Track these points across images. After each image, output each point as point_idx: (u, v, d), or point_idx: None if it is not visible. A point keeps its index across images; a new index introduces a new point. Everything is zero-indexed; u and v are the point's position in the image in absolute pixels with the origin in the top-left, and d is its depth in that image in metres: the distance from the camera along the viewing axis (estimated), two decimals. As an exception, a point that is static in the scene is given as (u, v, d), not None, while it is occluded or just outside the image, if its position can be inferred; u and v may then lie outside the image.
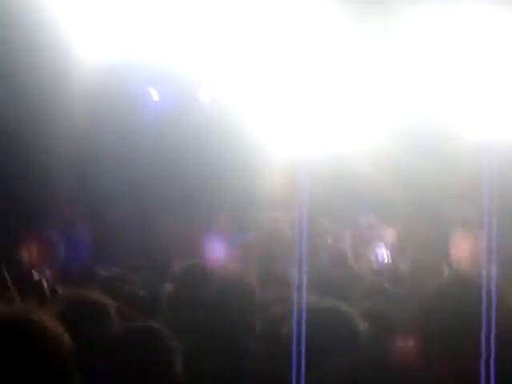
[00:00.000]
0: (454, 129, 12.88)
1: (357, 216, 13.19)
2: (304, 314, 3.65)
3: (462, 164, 12.11)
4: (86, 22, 11.35)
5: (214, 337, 4.35)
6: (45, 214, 13.42)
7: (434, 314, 2.62)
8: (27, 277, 7.00)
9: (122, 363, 3.41)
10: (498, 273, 3.82)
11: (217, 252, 13.66)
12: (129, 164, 14.33)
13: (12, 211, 12.47)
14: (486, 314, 2.56)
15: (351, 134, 13.71)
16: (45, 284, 6.80)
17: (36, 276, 7.07)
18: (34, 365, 2.30)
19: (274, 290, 5.81)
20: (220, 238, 14.14)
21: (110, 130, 13.85)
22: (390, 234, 13.30)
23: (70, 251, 12.50)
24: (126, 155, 14.24)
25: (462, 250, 12.67)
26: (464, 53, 11.99)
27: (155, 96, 15.10)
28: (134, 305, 5.38)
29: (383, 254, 12.85)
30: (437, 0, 10.44)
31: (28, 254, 10.66)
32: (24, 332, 2.32)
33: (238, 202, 14.83)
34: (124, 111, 14.05)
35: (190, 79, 14.03)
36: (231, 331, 4.30)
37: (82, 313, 4.01)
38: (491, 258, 4.01)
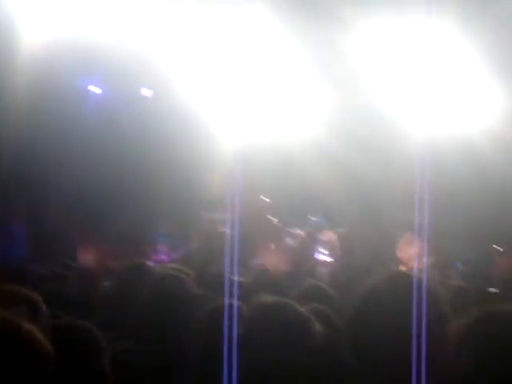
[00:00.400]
0: (399, 133, 13.06)
1: (305, 216, 13.24)
2: (235, 313, 3.62)
3: (405, 168, 12.25)
4: (24, 14, 11.15)
5: (151, 335, 4.31)
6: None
7: (366, 314, 2.60)
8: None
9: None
10: (435, 273, 3.85)
11: (158, 252, 13.62)
12: (68, 162, 14.15)
13: None
14: (416, 314, 2.54)
15: (297, 135, 13.79)
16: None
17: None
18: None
19: (212, 290, 5.81)
20: (161, 238, 14.09)
21: (49, 127, 13.65)
22: (335, 235, 13.36)
23: (2, 248, 12.35)
24: (66, 153, 14.06)
25: (404, 252, 12.80)
26: (405, 59, 12.21)
27: (97, 91, 14.94)
28: (65, 303, 5.29)
29: (327, 255, 12.90)
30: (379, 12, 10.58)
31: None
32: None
33: (178, 202, 14.78)
34: (64, 107, 13.86)
35: (134, 75, 13.93)
36: (168, 329, 4.26)
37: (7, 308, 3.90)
38: (428, 260, 4.03)
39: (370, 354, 2.53)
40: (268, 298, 3.35)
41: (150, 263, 5.89)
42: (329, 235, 13.05)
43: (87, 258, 12.59)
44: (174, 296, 4.43)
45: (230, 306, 3.72)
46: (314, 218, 13.07)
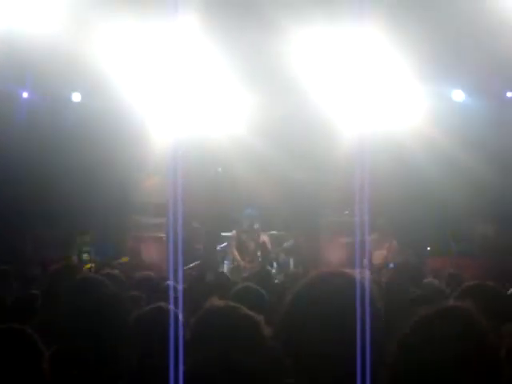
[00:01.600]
0: (332, 137, 13.26)
1: (241, 221, 13.26)
2: (180, 318, 3.64)
3: (341, 175, 12.45)
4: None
5: (78, 335, 4.28)
6: None
7: (296, 313, 2.62)
8: None
9: None
10: (368, 273, 3.92)
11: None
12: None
13: None
14: (350, 310, 2.57)
15: (230, 140, 13.85)
16: None
17: None
18: None
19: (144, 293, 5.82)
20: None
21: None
22: (270, 240, 13.43)
23: None
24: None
25: (337, 257, 12.96)
26: (337, 65, 12.44)
27: (24, 94, 14.72)
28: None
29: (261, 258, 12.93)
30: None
31: None
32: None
33: (110, 206, 14.68)
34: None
35: (63, 80, 13.78)
36: (103, 335, 4.23)
37: None
38: (363, 263, 4.10)
39: (301, 354, 2.55)
40: (218, 302, 3.38)
41: (78, 266, 5.84)
42: (263, 238, 13.11)
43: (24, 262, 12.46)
44: (94, 297, 4.43)
45: (162, 309, 3.75)
46: (253, 223, 13.08)
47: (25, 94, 14.71)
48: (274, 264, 12.67)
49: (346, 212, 13.80)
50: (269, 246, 12.92)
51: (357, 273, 3.12)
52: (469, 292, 3.75)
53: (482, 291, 3.73)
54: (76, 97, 14.78)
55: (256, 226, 12.89)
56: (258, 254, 12.76)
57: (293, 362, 2.56)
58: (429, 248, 13.54)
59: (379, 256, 12.12)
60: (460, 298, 3.54)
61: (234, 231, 13.12)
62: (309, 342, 2.51)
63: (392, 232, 12.94)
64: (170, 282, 5.00)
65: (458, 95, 14.04)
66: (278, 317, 2.67)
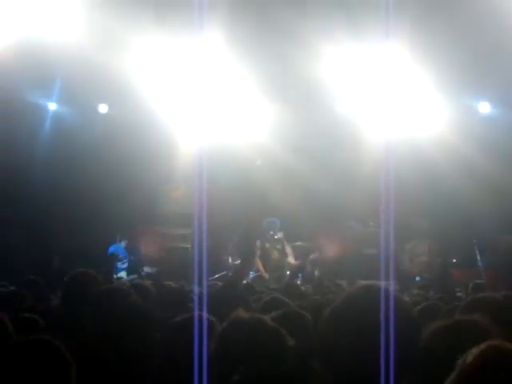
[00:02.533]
0: (357, 146, 13.27)
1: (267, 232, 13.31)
2: (205, 327, 3.66)
3: (366, 186, 12.43)
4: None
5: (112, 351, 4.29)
6: None
7: (335, 325, 2.64)
8: None
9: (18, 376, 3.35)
10: (395, 286, 3.93)
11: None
12: (25, 180, 14.05)
13: None
14: (386, 323, 2.60)
15: (258, 151, 13.91)
16: None
17: None
18: None
19: (175, 306, 5.81)
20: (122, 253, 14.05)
21: (3, 142, 13.50)
22: (296, 251, 13.45)
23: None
24: (22, 171, 13.96)
25: (363, 268, 12.91)
26: (362, 77, 12.48)
27: (52, 107, 14.84)
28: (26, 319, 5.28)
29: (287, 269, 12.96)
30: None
31: None
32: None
33: (139, 217, 14.77)
34: (19, 123, 13.74)
35: (90, 91, 13.89)
36: (129, 347, 4.24)
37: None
38: (388, 273, 4.10)
39: (339, 364, 2.57)
40: (243, 314, 3.40)
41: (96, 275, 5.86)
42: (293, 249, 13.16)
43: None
44: (120, 309, 4.44)
45: (192, 319, 3.77)
46: (272, 233, 13.12)
47: (52, 106, 14.84)
48: (299, 275, 12.67)
49: (371, 223, 13.79)
50: (292, 256, 12.95)
51: (389, 286, 3.14)
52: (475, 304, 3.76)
53: (488, 303, 3.73)
54: (103, 108, 14.88)
55: (279, 235, 12.94)
56: (282, 263, 12.81)
57: (330, 375, 2.59)
58: (454, 260, 13.47)
59: (417, 262, 12.09)
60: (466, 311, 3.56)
61: (257, 241, 13.15)
62: (345, 356, 2.54)
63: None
64: (195, 292, 5.02)
65: (484, 107, 14.00)
66: (316, 332, 2.70)
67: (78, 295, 5.12)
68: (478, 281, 8.84)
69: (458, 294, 7.66)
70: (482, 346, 2.13)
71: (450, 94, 13.18)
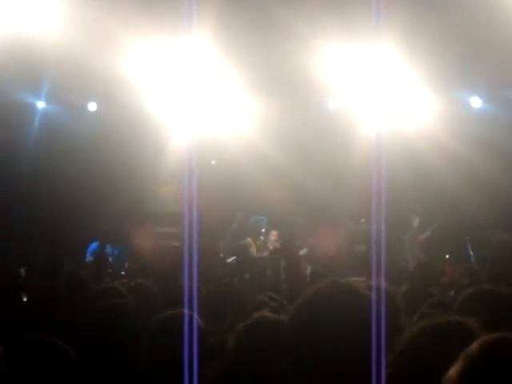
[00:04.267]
0: (350, 146, 13.26)
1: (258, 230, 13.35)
2: (195, 328, 3.61)
3: (356, 183, 12.42)
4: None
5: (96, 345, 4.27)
6: None
7: (298, 326, 2.59)
8: None
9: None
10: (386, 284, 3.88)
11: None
12: (15, 176, 14.01)
13: None
14: (377, 322, 2.55)
15: (246, 147, 13.88)
16: None
17: None
18: None
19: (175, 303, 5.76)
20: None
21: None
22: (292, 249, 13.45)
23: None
24: (6, 168, 13.91)
25: (354, 265, 12.88)
26: (353, 72, 12.47)
27: (40, 105, 14.80)
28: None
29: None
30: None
31: None
32: None
33: (126, 215, 14.72)
34: (8, 122, 13.69)
35: (81, 90, 13.86)
36: (120, 344, 4.21)
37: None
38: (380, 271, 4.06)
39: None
40: (269, 314, 3.44)
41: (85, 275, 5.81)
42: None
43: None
44: (112, 309, 4.42)
45: (183, 315, 3.74)
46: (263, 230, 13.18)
47: (40, 104, 14.80)
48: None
49: (363, 220, 13.76)
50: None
51: (369, 283, 3.09)
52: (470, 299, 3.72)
53: (482, 297, 3.70)
54: (92, 106, 14.84)
55: (263, 230, 13.11)
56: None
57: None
58: (447, 256, 13.45)
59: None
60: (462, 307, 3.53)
61: (248, 239, 13.21)
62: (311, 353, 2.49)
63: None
64: (185, 287, 4.96)
65: (476, 102, 13.98)
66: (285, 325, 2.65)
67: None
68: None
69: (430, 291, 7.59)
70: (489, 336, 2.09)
71: (441, 89, 13.16)
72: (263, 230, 13.58)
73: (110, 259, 13.57)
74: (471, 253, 12.83)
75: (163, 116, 14.19)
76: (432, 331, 2.41)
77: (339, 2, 10.37)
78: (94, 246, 13.86)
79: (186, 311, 3.72)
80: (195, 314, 3.73)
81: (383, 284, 3.64)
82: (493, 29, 10.85)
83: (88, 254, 13.76)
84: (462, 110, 13.75)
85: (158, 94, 13.68)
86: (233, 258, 13.47)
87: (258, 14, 11.07)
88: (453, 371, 1.96)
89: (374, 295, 2.77)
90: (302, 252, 13.38)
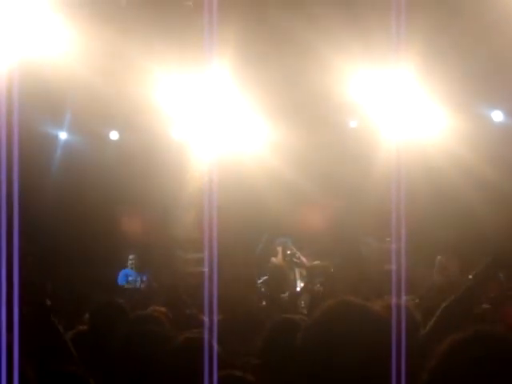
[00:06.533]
0: (370, 164, 13.20)
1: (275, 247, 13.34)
2: (215, 356, 3.60)
3: (379, 201, 12.34)
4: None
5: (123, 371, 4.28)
6: None
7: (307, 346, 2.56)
8: None
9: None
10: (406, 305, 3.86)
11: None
12: (38, 207, 14.07)
13: None
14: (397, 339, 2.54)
15: (270, 172, 13.89)
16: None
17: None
18: None
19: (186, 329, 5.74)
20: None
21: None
22: (307, 266, 13.39)
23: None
24: (35, 199, 14.00)
25: (381, 285, 12.77)
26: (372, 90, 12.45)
27: (63, 136, 14.91)
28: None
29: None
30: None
31: None
32: None
33: (146, 241, 14.75)
34: (29, 152, 13.78)
35: (102, 119, 13.96)
36: (142, 366, 4.23)
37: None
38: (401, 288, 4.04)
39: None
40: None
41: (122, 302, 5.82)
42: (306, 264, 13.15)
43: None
44: (151, 336, 4.41)
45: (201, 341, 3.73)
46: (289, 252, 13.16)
47: (63, 135, 14.90)
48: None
49: (388, 239, 13.66)
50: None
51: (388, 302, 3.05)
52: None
53: None
54: (114, 135, 14.93)
55: (289, 252, 13.09)
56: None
57: None
58: (470, 276, 13.26)
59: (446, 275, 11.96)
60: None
61: (273, 258, 13.23)
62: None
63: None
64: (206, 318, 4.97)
65: (498, 116, 13.88)
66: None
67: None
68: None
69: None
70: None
71: (463, 104, 13.08)
72: (288, 252, 13.54)
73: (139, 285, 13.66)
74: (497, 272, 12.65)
75: (185, 142, 14.25)
76: (462, 344, 2.36)
77: (358, 20, 10.37)
78: (126, 272, 13.93)
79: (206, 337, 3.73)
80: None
81: (403, 302, 3.63)
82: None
83: (120, 281, 13.83)
84: (484, 125, 13.64)
85: (179, 120, 13.76)
86: (263, 279, 13.47)
87: (277, 37, 11.11)
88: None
89: (392, 314, 2.75)
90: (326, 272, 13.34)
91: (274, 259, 13.52)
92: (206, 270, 13.73)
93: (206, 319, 4.95)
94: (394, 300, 3.53)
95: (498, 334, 2.37)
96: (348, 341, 2.45)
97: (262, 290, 13.58)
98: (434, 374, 2.33)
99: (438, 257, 12.92)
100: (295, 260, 13.29)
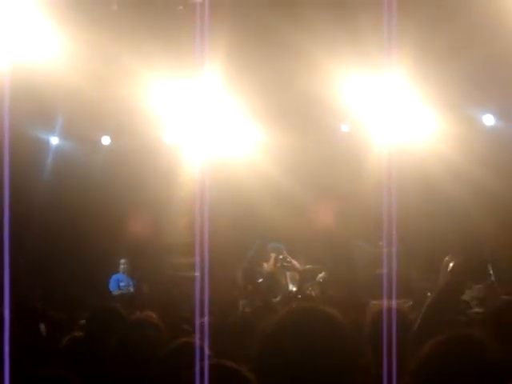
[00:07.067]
0: (361, 168, 13.21)
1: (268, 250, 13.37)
2: (207, 359, 3.60)
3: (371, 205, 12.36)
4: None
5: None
6: None
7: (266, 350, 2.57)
8: None
9: None
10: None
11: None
12: (26, 213, 14.06)
13: None
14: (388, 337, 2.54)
15: (260, 175, 13.89)
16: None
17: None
18: None
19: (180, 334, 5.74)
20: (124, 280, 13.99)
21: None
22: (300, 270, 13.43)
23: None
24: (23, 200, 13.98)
25: (373, 288, 12.79)
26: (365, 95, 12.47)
27: (54, 141, 14.89)
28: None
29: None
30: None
31: None
32: None
33: (137, 245, 14.74)
34: (20, 157, 13.75)
35: (94, 124, 13.95)
36: (137, 371, 4.23)
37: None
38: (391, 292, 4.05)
39: None
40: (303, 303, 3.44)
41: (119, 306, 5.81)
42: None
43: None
44: (146, 341, 4.41)
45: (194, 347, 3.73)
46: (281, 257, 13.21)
47: (54, 140, 14.88)
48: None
49: (381, 243, 13.68)
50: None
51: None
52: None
53: None
54: (105, 140, 14.91)
55: (281, 257, 13.14)
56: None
57: None
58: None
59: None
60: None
61: (264, 264, 13.26)
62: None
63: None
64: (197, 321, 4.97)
65: (489, 120, 13.89)
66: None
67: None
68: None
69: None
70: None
71: (454, 108, 13.10)
72: (281, 257, 13.57)
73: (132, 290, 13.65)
74: (491, 272, 12.70)
75: (177, 146, 14.25)
76: (439, 348, 2.39)
77: (350, 24, 10.38)
78: (117, 277, 13.90)
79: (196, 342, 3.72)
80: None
81: (394, 306, 3.64)
82: (506, 46, 10.82)
83: (112, 287, 13.80)
84: (475, 128, 13.67)
85: (171, 124, 13.75)
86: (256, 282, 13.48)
87: (268, 41, 11.11)
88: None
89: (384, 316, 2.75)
90: (320, 276, 13.36)
91: (265, 264, 13.55)
92: (197, 274, 13.82)
93: (196, 323, 4.96)
94: (385, 303, 3.54)
95: (473, 337, 2.41)
96: (303, 345, 2.47)
97: (254, 294, 13.64)
98: (415, 376, 2.37)
99: (446, 258, 12.98)
100: (286, 264, 13.35)
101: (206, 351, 3.71)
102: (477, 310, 8.35)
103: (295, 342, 2.48)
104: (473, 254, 13.13)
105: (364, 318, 4.45)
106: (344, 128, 14.24)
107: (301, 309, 2.63)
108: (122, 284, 13.83)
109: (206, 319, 4.85)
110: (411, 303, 8.83)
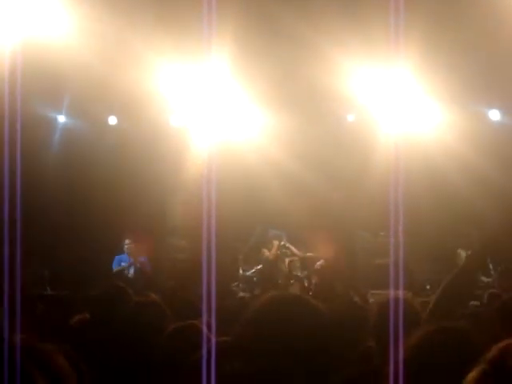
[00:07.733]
0: (368, 158, 13.23)
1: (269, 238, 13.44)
2: (213, 340, 3.63)
3: (375, 196, 12.38)
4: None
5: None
6: None
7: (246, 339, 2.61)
8: None
9: None
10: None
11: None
12: (36, 191, 14.09)
13: None
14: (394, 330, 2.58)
15: (261, 158, 13.91)
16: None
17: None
18: None
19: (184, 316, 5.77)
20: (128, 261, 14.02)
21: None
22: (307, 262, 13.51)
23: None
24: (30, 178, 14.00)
25: (373, 278, 12.86)
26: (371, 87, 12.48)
27: (61, 119, 14.91)
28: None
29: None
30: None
31: None
32: None
33: (143, 227, 14.76)
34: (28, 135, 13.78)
35: (101, 104, 13.96)
36: (140, 353, 4.26)
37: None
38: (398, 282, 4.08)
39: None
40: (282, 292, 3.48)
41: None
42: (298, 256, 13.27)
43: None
44: (150, 322, 4.44)
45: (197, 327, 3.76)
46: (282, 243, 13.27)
47: (61, 119, 14.90)
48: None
49: (382, 233, 13.72)
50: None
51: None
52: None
53: None
54: (112, 120, 14.92)
55: (282, 243, 13.22)
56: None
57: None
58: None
59: None
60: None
61: (265, 250, 13.33)
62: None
63: None
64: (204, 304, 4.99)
65: (495, 115, 13.92)
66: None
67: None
68: (492, 290, 8.79)
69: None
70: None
71: (460, 103, 13.13)
72: (282, 243, 13.63)
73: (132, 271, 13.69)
74: (490, 266, 12.75)
75: (184, 130, 14.26)
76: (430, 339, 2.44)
77: (357, 15, 10.39)
78: (120, 258, 13.92)
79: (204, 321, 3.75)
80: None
81: (401, 295, 3.67)
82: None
83: (116, 266, 13.83)
84: (481, 121, 13.69)
85: (178, 107, 13.76)
86: (255, 268, 13.52)
87: (276, 29, 11.12)
88: (473, 374, 2.00)
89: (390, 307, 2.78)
90: (318, 264, 13.42)
91: (265, 251, 13.59)
92: (203, 257, 13.86)
93: (203, 307, 4.98)
94: (391, 293, 3.58)
95: (459, 328, 2.46)
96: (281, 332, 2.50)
97: (255, 279, 13.70)
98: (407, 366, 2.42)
99: (458, 250, 13.03)
100: (285, 251, 13.40)
101: (213, 330, 3.73)
102: (475, 303, 8.40)
103: (272, 329, 2.52)
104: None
105: (361, 309, 4.48)
106: (350, 118, 14.27)
107: (279, 297, 2.67)
108: (122, 264, 13.86)
109: (212, 303, 4.88)
110: (411, 294, 8.88)
